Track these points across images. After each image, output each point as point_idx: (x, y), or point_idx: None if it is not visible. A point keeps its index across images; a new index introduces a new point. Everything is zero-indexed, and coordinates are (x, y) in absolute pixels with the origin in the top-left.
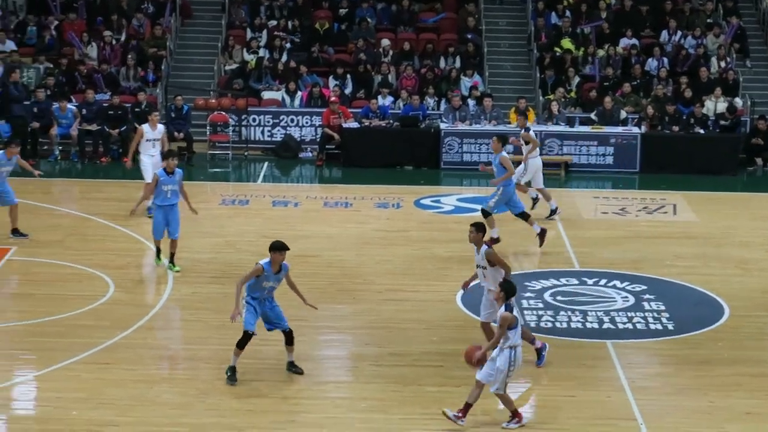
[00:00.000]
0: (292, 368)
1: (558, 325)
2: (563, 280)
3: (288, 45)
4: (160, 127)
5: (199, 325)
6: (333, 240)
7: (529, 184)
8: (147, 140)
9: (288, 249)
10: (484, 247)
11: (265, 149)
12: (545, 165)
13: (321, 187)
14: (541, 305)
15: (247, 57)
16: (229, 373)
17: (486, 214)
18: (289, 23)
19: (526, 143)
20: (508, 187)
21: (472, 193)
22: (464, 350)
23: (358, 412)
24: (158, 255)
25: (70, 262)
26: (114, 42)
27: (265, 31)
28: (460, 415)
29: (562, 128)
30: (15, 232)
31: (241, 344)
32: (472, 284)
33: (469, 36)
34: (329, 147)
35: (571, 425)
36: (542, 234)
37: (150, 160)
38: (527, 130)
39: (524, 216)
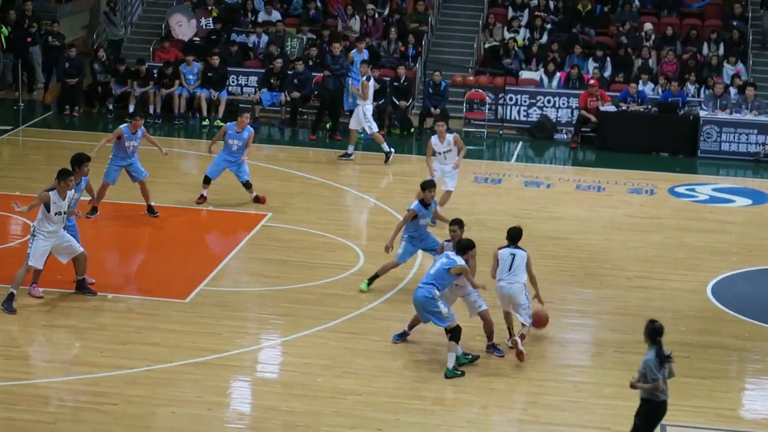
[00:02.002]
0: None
1: None
2: None
3: (549, 25)
4: (449, 138)
5: None
6: (583, 223)
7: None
8: (437, 153)
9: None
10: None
11: (520, 129)
12: None
13: (574, 170)
14: None
15: (508, 35)
16: (460, 373)
17: (248, 186)
18: (551, 3)
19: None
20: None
21: (728, 183)
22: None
23: (601, 398)
24: (371, 281)
25: (323, 231)
26: (377, 16)
27: (526, 11)
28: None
29: None
30: (150, 209)
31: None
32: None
33: (735, 23)
34: (585, 129)
35: None
36: (257, 199)
37: (440, 168)
38: (368, 79)
39: (248, 185)
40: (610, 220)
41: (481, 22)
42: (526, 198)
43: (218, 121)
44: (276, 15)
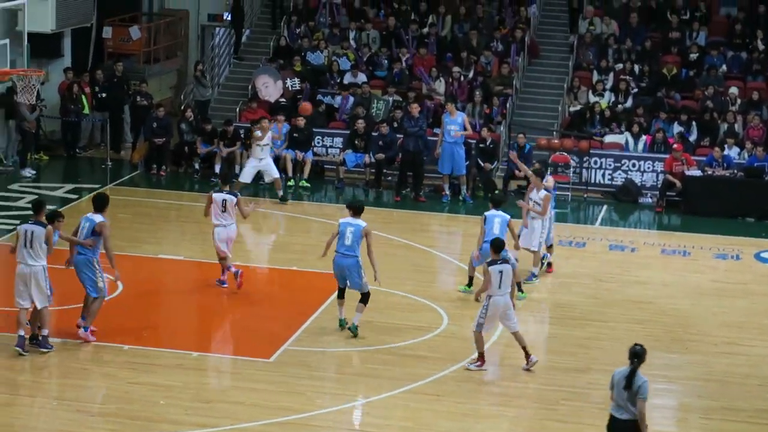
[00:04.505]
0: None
1: None
2: None
3: (634, 89)
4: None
5: None
6: (669, 288)
7: None
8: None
9: None
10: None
11: (605, 192)
12: None
13: (659, 234)
14: None
15: (593, 99)
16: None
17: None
18: (636, 67)
19: None
20: None
21: None
22: None
23: None
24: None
25: (406, 293)
26: (462, 78)
27: (611, 74)
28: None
29: None
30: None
31: None
32: None
33: None
34: (670, 194)
35: None
36: None
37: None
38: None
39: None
40: (695, 285)
41: (565, 86)
42: (610, 261)
43: (303, 181)
44: (362, 77)
